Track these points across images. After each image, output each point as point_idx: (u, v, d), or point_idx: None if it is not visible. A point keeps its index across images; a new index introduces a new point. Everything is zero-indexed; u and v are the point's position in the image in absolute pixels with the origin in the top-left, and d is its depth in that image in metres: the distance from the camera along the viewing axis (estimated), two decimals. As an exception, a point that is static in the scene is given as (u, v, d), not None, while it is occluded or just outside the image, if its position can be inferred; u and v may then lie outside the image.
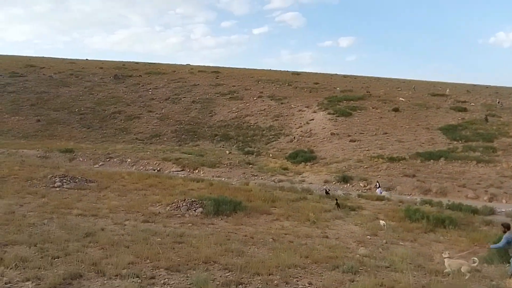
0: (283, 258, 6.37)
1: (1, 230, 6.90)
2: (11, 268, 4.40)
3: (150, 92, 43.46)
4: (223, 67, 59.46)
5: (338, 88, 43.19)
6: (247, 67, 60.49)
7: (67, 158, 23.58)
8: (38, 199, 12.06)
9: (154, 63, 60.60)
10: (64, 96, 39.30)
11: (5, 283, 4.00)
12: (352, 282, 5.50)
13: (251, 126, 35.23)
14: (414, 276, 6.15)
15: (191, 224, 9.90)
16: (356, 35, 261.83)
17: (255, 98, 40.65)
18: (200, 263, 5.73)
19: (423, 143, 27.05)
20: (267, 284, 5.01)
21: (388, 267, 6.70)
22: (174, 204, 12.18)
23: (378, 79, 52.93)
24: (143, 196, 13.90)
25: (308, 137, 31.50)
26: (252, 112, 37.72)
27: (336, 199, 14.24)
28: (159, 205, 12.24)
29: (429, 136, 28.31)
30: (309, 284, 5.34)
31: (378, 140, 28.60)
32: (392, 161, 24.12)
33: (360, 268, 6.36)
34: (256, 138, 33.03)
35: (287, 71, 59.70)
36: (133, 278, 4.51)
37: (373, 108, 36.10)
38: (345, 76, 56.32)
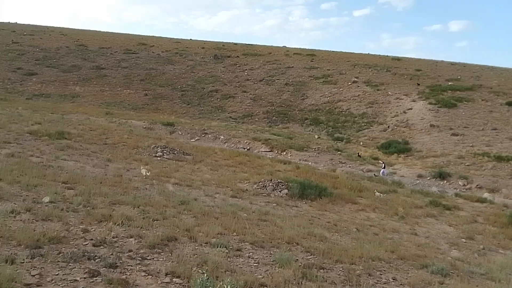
0: (367, 249, 6.23)
1: (111, 191, 7.78)
2: (117, 225, 4.99)
3: (245, 73, 44.64)
4: (319, 50, 58.31)
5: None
6: (344, 51, 58.46)
7: (168, 131, 25.51)
8: (142, 165, 13.36)
9: (251, 45, 61.86)
10: (169, 73, 42.32)
11: (112, 237, 4.56)
12: (442, 284, 5.18)
13: (343, 112, 34.33)
14: (514, 288, 5.57)
15: (275, 204, 10.13)
16: (470, 18, 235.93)
17: (349, 83, 39.36)
18: (283, 242, 5.88)
19: (540, 143, 23.81)
20: (349, 272, 4.97)
21: (484, 274, 6.15)
22: (261, 183, 12.55)
23: (492, 68, 47.36)
24: (233, 172, 14.54)
25: (404, 127, 29.71)
26: (345, 97, 36.67)
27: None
28: (246, 183, 12.70)
29: (549, 137, 24.81)
30: (393, 279, 5.16)
31: (485, 136, 25.85)
32: (500, 160, 21.66)
33: (452, 271, 5.94)
34: (347, 124, 32.16)
35: (387, 56, 56.38)
36: (221, 247, 4.83)
37: (482, 100, 32.59)
38: (452, 64, 51.39)
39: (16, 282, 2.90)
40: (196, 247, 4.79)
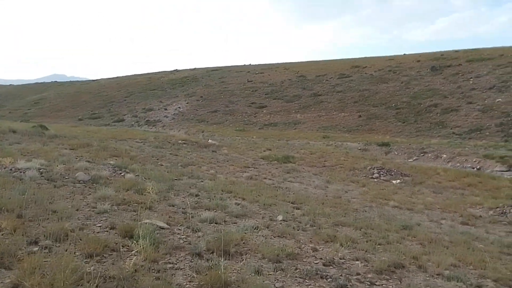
0: None
1: (332, 212, 8.17)
2: (343, 246, 5.18)
3: (470, 82, 39.47)
4: None
5: None
6: None
7: (383, 151, 24.98)
8: (359, 187, 13.49)
9: (476, 49, 54.45)
10: (382, 92, 41.66)
11: (340, 258, 4.76)
12: None
13: None
14: None
15: (523, 236, 8.44)
16: None
17: None
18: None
19: None
20: None
21: None
22: (498, 208, 10.76)
23: None
24: (461, 195, 13.00)
25: None
26: None
27: None
28: (479, 208, 11.12)
29: None
30: None
31: None
32: None
33: None
34: None
35: None
36: (457, 282, 4.36)
37: None
38: None
39: (264, 292, 3.35)
40: (427, 278, 4.48)
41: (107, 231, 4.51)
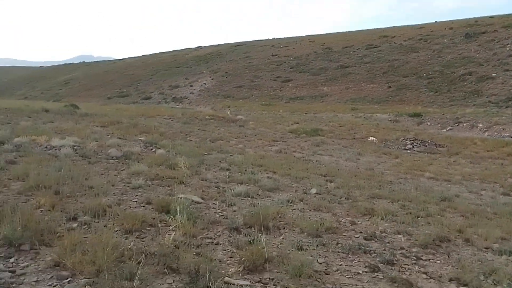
0: None
1: (366, 184, 7.94)
2: (382, 219, 5.00)
3: (507, 48, 37.36)
4: None
5: None
6: None
7: (415, 122, 24.22)
8: (392, 159, 13.13)
9: (513, 13, 51.28)
10: (412, 62, 40.11)
11: (381, 232, 4.59)
12: None
13: None
14: None
15: None
16: None
17: None
18: None
19: None
20: None
21: None
22: (543, 179, 10.22)
23: None
24: (500, 165, 12.44)
25: None
26: None
27: None
28: (522, 178, 10.60)
29: None
30: None
31: None
32: None
33: None
34: None
35: None
36: (508, 255, 4.12)
37: None
38: None
39: (306, 267, 3.24)
40: (476, 252, 4.25)
41: (143, 206, 4.51)
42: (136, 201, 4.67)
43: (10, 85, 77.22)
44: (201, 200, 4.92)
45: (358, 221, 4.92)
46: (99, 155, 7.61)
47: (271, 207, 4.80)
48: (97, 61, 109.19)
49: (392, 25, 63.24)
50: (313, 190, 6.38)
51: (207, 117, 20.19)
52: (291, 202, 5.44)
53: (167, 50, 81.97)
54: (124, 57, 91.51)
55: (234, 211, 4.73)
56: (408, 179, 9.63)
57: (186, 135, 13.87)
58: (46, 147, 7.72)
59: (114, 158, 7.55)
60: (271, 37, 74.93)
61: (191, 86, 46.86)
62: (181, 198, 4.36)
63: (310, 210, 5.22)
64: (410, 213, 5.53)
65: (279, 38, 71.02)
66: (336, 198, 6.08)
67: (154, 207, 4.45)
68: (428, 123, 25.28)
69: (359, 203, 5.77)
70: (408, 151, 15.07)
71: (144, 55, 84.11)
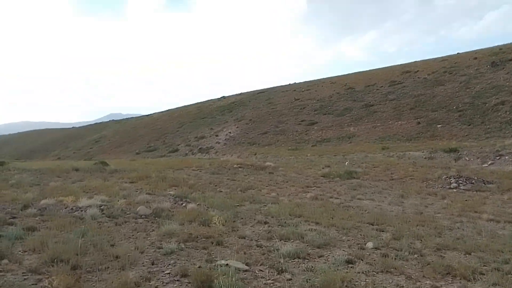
0: None
1: (423, 232, 7.06)
2: (469, 281, 4.08)
3: (539, 74, 36.05)
4: None
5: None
6: None
7: (452, 158, 22.91)
8: (439, 200, 12.06)
9: (540, 39, 50.12)
10: (440, 95, 39.13)
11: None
12: None
13: None
14: None
15: None
16: None
17: None
18: None
19: None
20: None
21: None
22: None
23: None
24: None
25: None
26: None
27: None
28: None
29: None
30: None
31: None
32: None
33: None
34: None
35: None
36: None
37: None
38: None
39: None
40: None
41: (178, 281, 3.78)
42: (169, 273, 3.97)
43: (44, 147, 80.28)
44: (245, 267, 4.17)
45: (440, 285, 4.03)
46: (127, 214, 7.09)
47: (330, 271, 4.00)
48: (126, 118, 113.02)
49: (413, 60, 62.61)
50: (370, 244, 5.54)
51: (235, 165, 19.69)
52: (350, 263, 4.60)
53: (192, 103, 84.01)
54: (152, 112, 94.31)
55: (289, 279, 3.93)
56: (465, 223, 8.61)
57: (216, 186, 13.33)
58: (72, 208, 7.28)
59: (143, 216, 7.01)
60: (292, 82, 75.83)
61: (217, 136, 47.09)
62: (222, 265, 3.66)
63: (377, 273, 4.37)
64: (497, 269, 4.57)
65: (300, 82, 71.73)
66: (400, 253, 5.20)
67: (191, 282, 3.73)
68: (467, 158, 23.89)
69: (428, 258, 4.88)
70: (454, 190, 13.94)
71: (170, 109, 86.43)
